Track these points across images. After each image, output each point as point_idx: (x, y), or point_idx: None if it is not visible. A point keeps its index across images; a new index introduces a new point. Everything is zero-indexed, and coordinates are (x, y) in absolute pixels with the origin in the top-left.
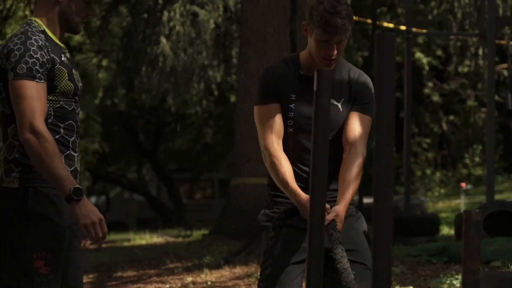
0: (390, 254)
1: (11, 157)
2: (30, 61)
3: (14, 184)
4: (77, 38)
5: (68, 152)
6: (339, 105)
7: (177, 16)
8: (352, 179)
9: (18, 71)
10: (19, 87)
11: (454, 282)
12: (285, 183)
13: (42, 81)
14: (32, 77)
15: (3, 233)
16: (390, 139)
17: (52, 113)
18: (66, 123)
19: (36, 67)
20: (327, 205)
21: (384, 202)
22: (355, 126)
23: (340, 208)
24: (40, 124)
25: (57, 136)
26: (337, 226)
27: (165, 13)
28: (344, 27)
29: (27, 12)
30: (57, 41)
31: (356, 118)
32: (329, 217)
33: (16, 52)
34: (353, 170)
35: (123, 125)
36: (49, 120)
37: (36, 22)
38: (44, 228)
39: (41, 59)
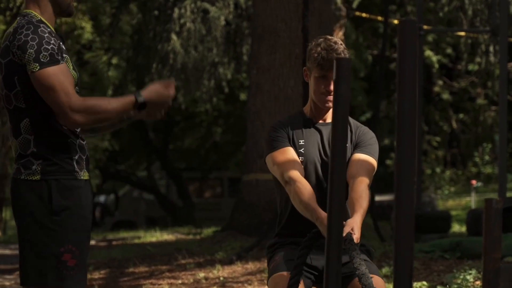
0: (412, 249)
1: (27, 152)
2: (49, 47)
3: (35, 176)
4: (87, 36)
5: (78, 141)
6: None
7: (188, 13)
8: (362, 196)
9: (42, 60)
10: (47, 77)
11: (468, 277)
12: (307, 204)
13: (64, 62)
14: (57, 62)
15: (28, 227)
16: (413, 133)
17: None
18: None
19: (56, 52)
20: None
21: (406, 199)
22: (358, 163)
23: (355, 218)
24: (76, 101)
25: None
26: (354, 239)
27: (176, 10)
28: None
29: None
30: (53, 30)
31: (359, 158)
32: (345, 229)
33: (32, 42)
34: (359, 190)
35: (132, 123)
36: None
37: (32, 13)
38: (70, 222)
39: (56, 44)
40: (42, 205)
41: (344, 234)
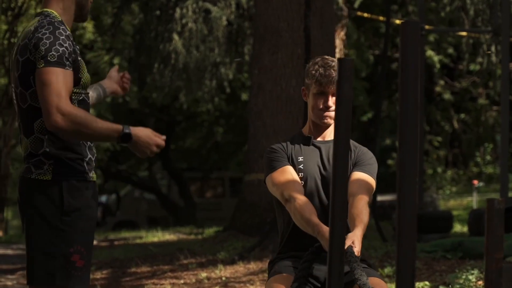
0: (415, 249)
1: (39, 151)
2: (61, 49)
3: (46, 176)
4: (89, 36)
5: (88, 142)
6: None
7: (190, 13)
8: (362, 212)
9: (49, 59)
10: (47, 74)
11: (470, 277)
12: (308, 220)
13: (70, 69)
14: (63, 65)
15: (37, 227)
16: (415, 133)
17: (76, 105)
18: None
19: (66, 56)
20: None
21: (408, 199)
22: (358, 182)
23: (355, 232)
24: (65, 104)
25: None
26: (355, 252)
27: (178, 10)
28: None
29: (39, 10)
30: (70, 33)
31: (359, 177)
32: (346, 242)
33: (46, 41)
34: (359, 207)
35: (134, 123)
36: None
37: (53, 13)
38: (79, 223)
39: (69, 49)
40: (53, 205)
41: (345, 247)
